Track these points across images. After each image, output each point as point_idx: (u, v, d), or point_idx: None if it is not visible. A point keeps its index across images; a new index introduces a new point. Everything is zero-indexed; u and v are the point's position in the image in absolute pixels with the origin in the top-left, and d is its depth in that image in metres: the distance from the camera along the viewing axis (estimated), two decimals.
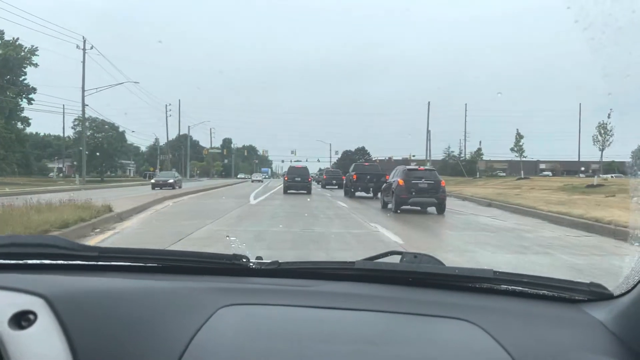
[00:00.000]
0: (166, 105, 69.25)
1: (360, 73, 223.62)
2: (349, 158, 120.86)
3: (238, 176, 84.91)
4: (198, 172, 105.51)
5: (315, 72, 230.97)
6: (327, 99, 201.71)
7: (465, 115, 67.19)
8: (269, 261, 1.27)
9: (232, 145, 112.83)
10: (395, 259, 1.31)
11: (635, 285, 1.00)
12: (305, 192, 28.68)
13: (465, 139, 66.60)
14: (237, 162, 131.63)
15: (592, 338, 0.99)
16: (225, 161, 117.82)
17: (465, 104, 67.40)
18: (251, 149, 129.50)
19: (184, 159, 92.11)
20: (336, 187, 38.71)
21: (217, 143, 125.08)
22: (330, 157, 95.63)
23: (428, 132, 57.87)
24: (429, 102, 61.88)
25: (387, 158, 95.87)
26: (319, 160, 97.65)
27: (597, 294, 1.14)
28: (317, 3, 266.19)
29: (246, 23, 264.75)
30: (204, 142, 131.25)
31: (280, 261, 1.27)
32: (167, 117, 67.81)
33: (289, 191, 28.83)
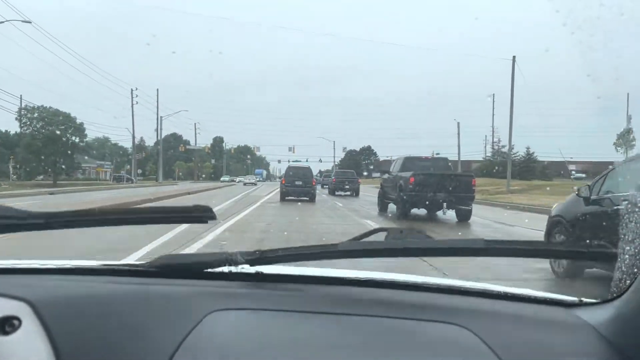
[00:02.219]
0: (132, 90, 57.34)
1: (361, 71, 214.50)
2: (353, 159, 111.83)
3: (222, 179, 70.92)
4: (181, 174, 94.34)
5: (314, 72, 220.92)
6: (326, 99, 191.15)
7: (493, 108, 56.42)
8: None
9: (224, 145, 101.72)
10: (382, 238, 1.27)
11: (627, 289, 1.00)
12: (307, 199, 23.16)
13: (492, 136, 55.89)
14: (230, 163, 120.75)
15: (583, 342, 1.00)
16: (213, 161, 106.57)
17: (493, 94, 56.86)
18: (245, 150, 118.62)
19: (170, 159, 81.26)
20: (349, 193, 31.26)
21: (207, 142, 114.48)
22: (334, 157, 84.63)
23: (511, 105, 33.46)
24: (513, 57, 34.35)
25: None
26: (320, 160, 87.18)
27: (590, 297, 1.16)
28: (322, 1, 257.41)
29: (244, 21, 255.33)
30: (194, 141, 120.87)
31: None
32: (132, 104, 56.32)
33: (287, 198, 23.37)
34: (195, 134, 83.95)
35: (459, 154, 58.57)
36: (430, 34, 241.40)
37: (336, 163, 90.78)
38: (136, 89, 56.94)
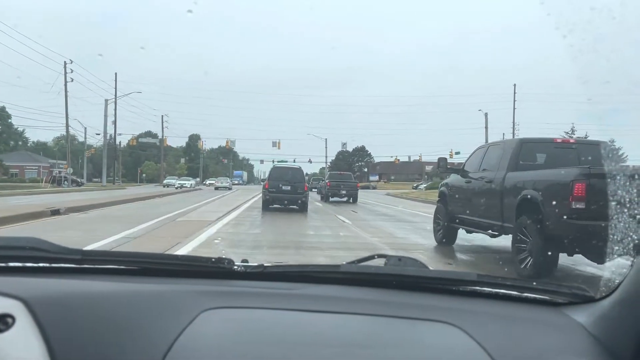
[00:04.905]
0: (65, 63, 45.13)
1: (355, 70, 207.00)
2: (345, 160, 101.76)
3: (165, 182, 51.43)
4: (144, 175, 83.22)
5: (306, 74, 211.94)
6: (318, 99, 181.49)
7: (514, 101, 46.93)
8: (254, 264, 1.31)
9: (201, 143, 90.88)
10: (381, 262, 1.37)
11: (615, 288, 1.05)
12: (296, 207, 18.43)
13: (513, 131, 46.54)
14: (209, 164, 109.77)
15: (573, 341, 1.03)
16: (183, 160, 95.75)
17: (514, 84, 47.57)
18: (226, 151, 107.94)
19: (141, 160, 70.00)
20: (345, 199, 27.73)
21: (182, 140, 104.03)
22: (326, 156, 75.01)
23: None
24: None
25: (407, 158, 75.28)
26: (310, 161, 76.75)
27: (579, 297, 1.19)
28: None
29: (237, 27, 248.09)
30: (171, 140, 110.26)
31: (265, 264, 1.31)
32: (65, 82, 44.55)
33: (271, 206, 18.43)
34: (163, 127, 72.64)
35: None
36: (428, 34, 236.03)
37: (328, 165, 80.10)
38: (71, 62, 45.58)
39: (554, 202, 6.00)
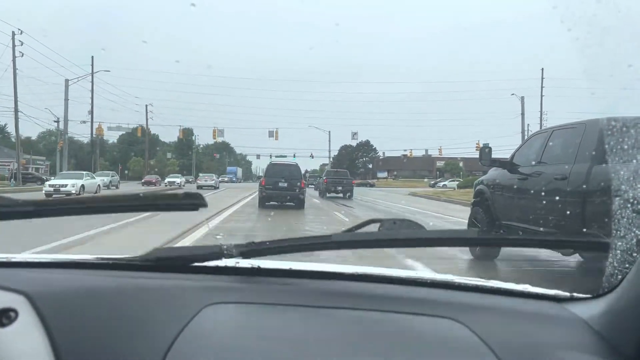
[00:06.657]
0: (13, 33, 36.69)
1: (360, 65, 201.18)
2: (348, 156, 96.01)
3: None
4: (127, 172, 77.39)
5: (303, 71, 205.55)
6: (322, 89, 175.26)
7: (542, 87, 40.84)
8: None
9: (194, 138, 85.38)
10: (376, 228, 1.38)
11: (619, 284, 1.06)
12: (294, 204, 18.69)
13: (541, 120, 40.61)
14: (203, 159, 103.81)
15: (575, 336, 1.05)
16: (170, 155, 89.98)
17: (542, 69, 41.49)
18: (223, 147, 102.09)
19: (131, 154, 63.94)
20: (341, 195, 28.21)
21: (174, 135, 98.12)
22: (329, 150, 69.59)
23: None
24: None
25: (422, 152, 69.22)
26: (312, 156, 70.78)
27: (581, 292, 1.26)
28: None
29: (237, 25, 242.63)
30: (164, 136, 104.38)
31: None
32: (14, 57, 37.59)
33: (268, 203, 18.67)
34: (147, 118, 66.06)
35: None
36: (428, 28, 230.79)
37: (330, 160, 73.92)
38: (20, 32, 38.70)
39: None
